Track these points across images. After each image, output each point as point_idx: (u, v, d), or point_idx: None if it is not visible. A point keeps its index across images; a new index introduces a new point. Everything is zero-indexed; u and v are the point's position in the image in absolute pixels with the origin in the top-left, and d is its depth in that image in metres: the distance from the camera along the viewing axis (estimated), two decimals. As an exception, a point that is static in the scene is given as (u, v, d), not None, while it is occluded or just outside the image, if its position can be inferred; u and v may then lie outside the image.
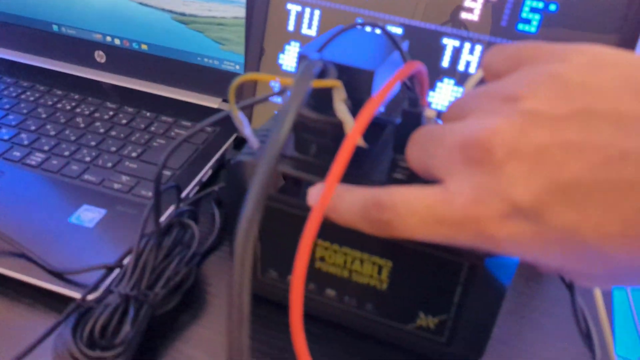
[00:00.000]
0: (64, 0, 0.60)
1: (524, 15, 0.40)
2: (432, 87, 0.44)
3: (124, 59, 0.60)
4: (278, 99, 0.49)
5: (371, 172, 0.30)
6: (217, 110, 0.56)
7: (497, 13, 0.41)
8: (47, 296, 0.36)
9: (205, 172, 0.47)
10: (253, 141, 0.29)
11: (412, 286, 0.30)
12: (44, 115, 0.53)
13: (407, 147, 0.26)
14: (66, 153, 0.48)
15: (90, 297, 0.34)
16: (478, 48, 0.42)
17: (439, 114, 0.36)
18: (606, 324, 0.31)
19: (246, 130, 0.29)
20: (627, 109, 0.18)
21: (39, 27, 0.62)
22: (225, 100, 0.58)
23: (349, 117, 0.26)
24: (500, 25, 0.41)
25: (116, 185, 0.44)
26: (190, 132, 0.29)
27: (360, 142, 0.28)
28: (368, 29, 0.43)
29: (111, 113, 0.54)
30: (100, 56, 0.61)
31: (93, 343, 0.30)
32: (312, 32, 0.46)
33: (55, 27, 0.62)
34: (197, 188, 0.46)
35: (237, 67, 0.56)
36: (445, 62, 0.43)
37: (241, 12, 0.53)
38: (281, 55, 0.48)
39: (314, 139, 0.29)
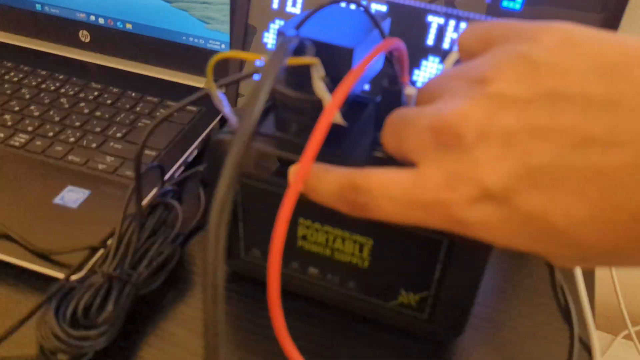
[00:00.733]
0: (46, -21, 0.59)
1: (508, -9, 0.40)
2: (418, 65, 0.44)
3: (108, 38, 0.60)
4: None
5: (352, 151, 0.30)
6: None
7: (482, -10, 0.41)
8: (31, 276, 0.36)
9: (191, 152, 0.47)
10: (232, 119, 0.29)
11: (393, 264, 0.31)
12: (27, 96, 0.53)
13: (382, 131, 0.26)
14: (50, 134, 0.47)
15: (74, 277, 0.35)
16: (463, 26, 0.41)
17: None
18: (585, 299, 0.31)
19: (225, 108, 0.28)
20: (594, 92, 0.18)
21: (22, 6, 0.61)
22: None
23: (327, 95, 0.26)
24: (485, 2, 0.41)
25: (101, 166, 0.44)
26: (169, 112, 0.29)
27: (340, 120, 0.28)
28: (352, 6, 0.42)
29: (96, 93, 0.54)
30: (84, 35, 0.61)
31: (76, 322, 0.31)
32: (297, 10, 0.45)
33: (38, 6, 0.61)
34: (182, 168, 0.46)
35: (223, 46, 0.55)
36: (430, 40, 0.43)
37: (226, -10, 0.53)
38: (266, 34, 0.47)
39: (294, 118, 0.29)
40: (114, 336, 0.31)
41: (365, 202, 0.23)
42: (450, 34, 0.42)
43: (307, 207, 0.30)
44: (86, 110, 0.51)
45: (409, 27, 0.43)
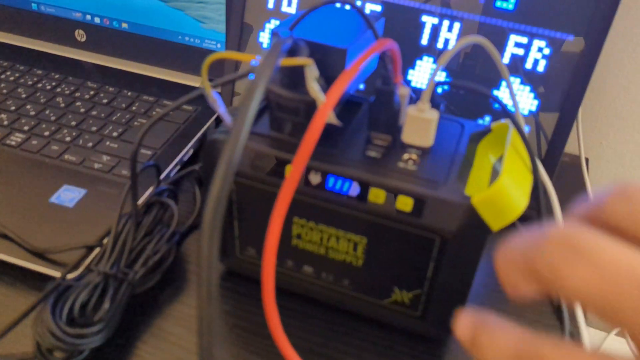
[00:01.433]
0: (42, -22, 0.59)
1: (501, -8, 0.40)
2: (412, 65, 0.44)
3: (104, 37, 0.60)
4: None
5: (346, 150, 0.30)
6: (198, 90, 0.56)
7: (476, -10, 0.41)
8: (27, 275, 0.37)
9: (187, 151, 0.47)
10: (227, 119, 0.29)
11: (387, 262, 0.31)
12: (23, 95, 0.53)
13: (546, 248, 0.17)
14: (46, 133, 0.48)
15: (70, 275, 0.35)
16: (457, 25, 0.42)
17: (415, 90, 0.37)
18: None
19: (220, 108, 0.29)
20: None
21: (18, 6, 0.61)
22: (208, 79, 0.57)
23: (321, 95, 0.26)
24: (478, 3, 0.41)
25: (97, 165, 0.44)
26: (164, 111, 0.29)
27: (334, 120, 0.29)
28: (347, 7, 0.42)
29: (92, 92, 0.54)
30: (80, 35, 0.61)
31: (72, 320, 0.31)
32: (292, 10, 0.46)
33: (34, 6, 0.61)
34: (178, 167, 0.47)
35: (218, 45, 0.56)
36: (424, 40, 0.43)
37: (221, -11, 0.53)
38: (261, 33, 0.47)
39: (289, 118, 0.30)
40: (111, 334, 0.32)
41: None
42: (444, 34, 0.42)
43: (301, 206, 0.31)
44: (82, 110, 0.51)
45: (403, 27, 0.43)
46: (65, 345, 0.30)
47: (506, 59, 0.41)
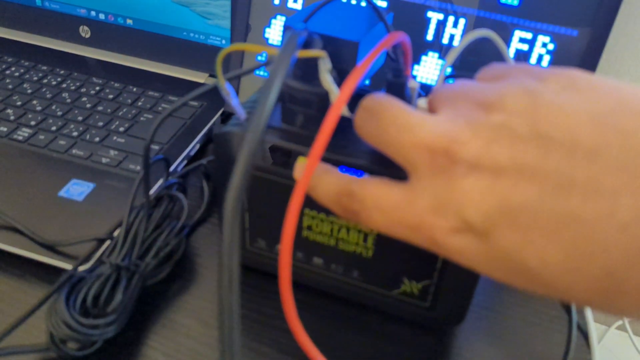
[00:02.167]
0: (46, -26, 0.59)
1: (507, -12, 0.41)
2: (417, 60, 0.44)
3: (109, 34, 0.60)
4: (264, 72, 0.49)
5: (357, 142, 0.31)
6: (204, 85, 0.56)
7: (481, -14, 0.41)
8: (38, 268, 0.37)
9: (193, 146, 0.48)
10: (240, 112, 0.30)
11: (397, 253, 0.31)
12: (29, 91, 0.53)
13: (358, 112, 0.26)
14: (53, 128, 0.48)
15: (82, 268, 0.35)
16: (462, 21, 0.42)
17: (422, 86, 0.37)
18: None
19: (234, 101, 0.29)
20: (583, 139, 0.18)
21: (22, 2, 0.62)
22: (211, 76, 0.58)
23: (334, 87, 0.27)
24: (483, -1, 0.41)
25: (104, 160, 0.45)
26: (178, 103, 0.30)
27: (347, 112, 0.29)
28: (354, 0, 0.43)
29: (97, 88, 0.54)
30: (85, 31, 0.61)
31: (86, 311, 0.31)
32: (298, 6, 0.46)
33: (38, 2, 0.61)
34: (185, 162, 0.47)
35: (223, 41, 0.56)
36: (430, 36, 0.43)
37: (227, -14, 0.53)
38: (267, 29, 0.48)
39: (301, 110, 0.30)
40: (123, 325, 0.32)
41: (358, 210, 0.24)
42: (449, 30, 0.43)
43: (312, 199, 0.31)
44: (88, 105, 0.51)
45: (408, 23, 0.44)
46: (79, 336, 0.30)
47: (510, 55, 0.42)
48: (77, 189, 0.41)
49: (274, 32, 0.48)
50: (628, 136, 0.18)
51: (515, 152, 0.19)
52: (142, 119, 0.50)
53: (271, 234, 0.34)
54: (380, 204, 0.23)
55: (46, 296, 0.32)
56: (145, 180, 0.34)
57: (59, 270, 0.37)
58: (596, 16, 0.39)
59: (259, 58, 0.49)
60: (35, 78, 0.55)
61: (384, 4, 0.44)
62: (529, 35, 0.41)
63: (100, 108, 0.51)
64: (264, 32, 0.48)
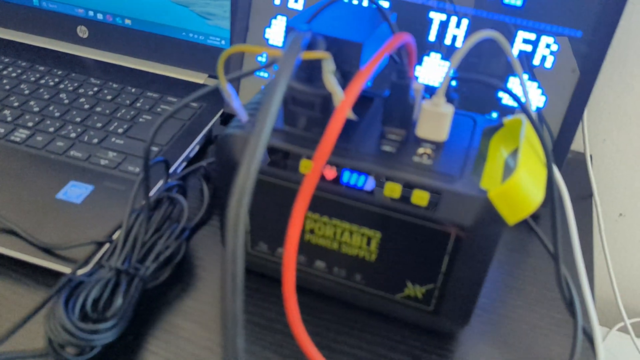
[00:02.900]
0: (44, -26, 0.58)
1: (510, -12, 0.40)
2: (419, 61, 0.44)
3: (107, 34, 0.59)
4: (265, 74, 0.49)
5: (361, 145, 0.30)
6: (203, 86, 0.56)
7: (484, -13, 0.41)
8: (36, 272, 0.36)
9: (193, 148, 0.47)
10: (242, 114, 0.29)
11: (400, 256, 0.31)
12: (27, 92, 0.52)
13: None
14: (51, 129, 0.47)
15: (81, 271, 0.35)
16: (464, 22, 0.42)
17: (426, 88, 0.37)
18: (587, 291, 0.32)
19: (235, 103, 0.29)
20: None
21: (20, 2, 0.61)
22: (211, 76, 0.57)
23: (338, 89, 0.26)
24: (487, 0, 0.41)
25: (103, 162, 0.44)
26: (179, 105, 0.29)
27: (351, 115, 0.29)
28: (355, 1, 0.42)
29: (96, 89, 0.54)
30: (82, 31, 0.60)
31: (85, 316, 0.31)
32: (299, 6, 0.46)
33: (36, 2, 0.60)
34: (184, 164, 0.46)
35: (223, 42, 0.55)
36: (432, 37, 0.43)
37: (226, -14, 0.53)
38: (267, 30, 0.47)
39: (304, 112, 0.30)
40: (123, 330, 0.31)
41: None
42: (452, 30, 0.42)
43: (315, 201, 0.31)
44: (86, 106, 0.51)
45: (411, 24, 0.43)
46: (78, 341, 0.29)
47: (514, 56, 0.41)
48: (75, 191, 0.41)
49: (275, 33, 0.47)
50: None
51: None
52: (141, 120, 0.50)
53: (273, 237, 0.34)
54: None
55: (44, 300, 0.31)
56: (145, 183, 0.33)
57: (57, 274, 0.36)
58: (601, 17, 0.38)
59: (260, 59, 0.49)
60: (33, 79, 0.55)
61: (386, 5, 0.43)
62: (532, 36, 0.40)
63: (98, 109, 0.51)
64: (264, 32, 0.47)
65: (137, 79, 0.56)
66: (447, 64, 0.43)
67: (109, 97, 0.52)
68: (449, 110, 0.29)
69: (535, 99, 0.42)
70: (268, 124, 0.19)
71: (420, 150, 0.30)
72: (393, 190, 0.29)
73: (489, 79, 0.31)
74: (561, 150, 0.42)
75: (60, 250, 0.36)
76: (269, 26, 0.47)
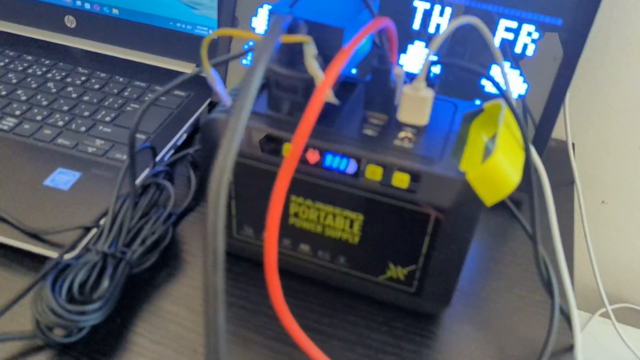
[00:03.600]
0: (31, -37, 0.58)
1: (492, -23, 0.41)
2: (404, 49, 0.45)
3: (94, 23, 0.60)
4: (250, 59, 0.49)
5: (343, 129, 0.31)
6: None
7: (467, -25, 0.42)
8: (24, 257, 0.37)
9: (180, 135, 0.48)
10: (226, 99, 0.30)
11: (383, 238, 0.32)
12: (14, 81, 0.52)
13: None
14: (38, 118, 0.48)
15: (68, 256, 0.35)
16: (448, 10, 0.42)
17: (407, 74, 0.37)
18: (565, 272, 0.33)
19: (219, 87, 0.29)
20: None
21: (6, -9, 0.61)
22: (199, 66, 0.58)
23: (320, 72, 0.27)
24: (469, -12, 0.42)
25: (90, 149, 0.44)
26: (162, 91, 0.30)
27: (332, 98, 0.29)
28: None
29: (83, 78, 0.54)
30: (70, 21, 0.60)
31: (72, 298, 0.31)
32: (285, -5, 0.46)
33: (22, -9, 0.60)
34: (172, 152, 0.47)
35: (210, 31, 0.56)
36: (416, 25, 0.44)
37: (213, -25, 0.53)
38: (254, 19, 0.48)
39: (287, 96, 0.30)
40: (110, 311, 0.32)
41: None
42: (435, 19, 0.43)
43: (299, 185, 0.31)
44: (74, 95, 0.51)
45: (395, 12, 0.44)
46: (65, 322, 0.30)
47: (496, 44, 0.42)
48: (63, 178, 0.41)
49: (261, 22, 0.47)
50: None
51: None
52: (128, 108, 0.50)
53: (258, 222, 0.34)
54: None
55: (32, 284, 0.32)
56: (131, 168, 0.34)
57: (45, 259, 0.36)
58: (580, 5, 0.39)
59: (246, 46, 0.49)
60: (20, 68, 0.55)
61: (370, -7, 0.44)
62: (514, 24, 0.41)
63: (86, 98, 0.51)
64: (251, 21, 0.48)
65: (124, 68, 0.56)
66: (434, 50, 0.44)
67: (96, 86, 0.53)
68: (429, 94, 0.29)
69: (517, 86, 0.43)
70: (248, 101, 0.20)
71: (402, 134, 0.30)
72: (374, 173, 0.29)
73: (469, 64, 0.32)
74: (543, 136, 0.43)
75: (48, 236, 0.36)
76: (256, 15, 0.47)
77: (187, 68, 0.57)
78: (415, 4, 0.43)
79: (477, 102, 0.44)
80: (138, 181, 0.40)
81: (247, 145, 0.31)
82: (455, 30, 0.43)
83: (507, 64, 0.42)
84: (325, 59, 0.28)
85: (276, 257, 0.24)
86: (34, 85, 0.52)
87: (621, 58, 0.53)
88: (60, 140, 0.45)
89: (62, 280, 0.31)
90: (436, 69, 0.44)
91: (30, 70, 0.54)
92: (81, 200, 0.39)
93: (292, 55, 0.28)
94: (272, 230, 0.24)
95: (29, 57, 0.57)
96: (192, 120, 0.49)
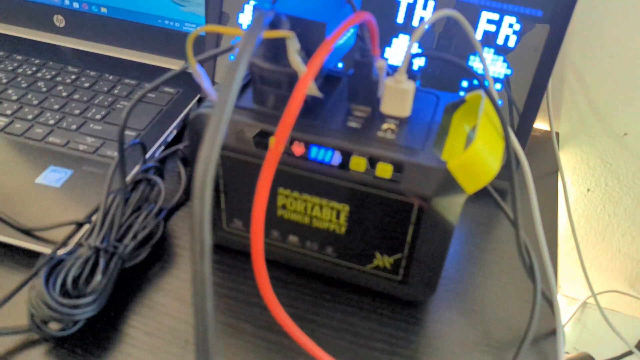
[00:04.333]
0: (18, -37, 0.58)
1: (473, -30, 0.42)
2: (389, 43, 0.45)
3: (83, 22, 0.60)
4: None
5: (328, 122, 0.31)
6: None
7: (449, -31, 0.42)
8: (17, 254, 0.37)
9: (170, 132, 0.48)
10: (212, 94, 0.30)
11: (369, 228, 0.32)
12: (4, 80, 0.53)
13: None
14: (29, 117, 0.48)
15: (61, 251, 0.36)
16: (431, 4, 0.43)
17: (391, 68, 0.38)
18: (547, 258, 0.34)
19: (205, 83, 0.30)
20: None
21: (-6, -8, 0.61)
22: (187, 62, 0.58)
23: (303, 67, 0.27)
24: (451, -19, 0.42)
25: (81, 147, 0.45)
26: (151, 86, 0.30)
27: (315, 91, 0.30)
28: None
29: (73, 77, 0.54)
30: (59, 20, 0.61)
31: (66, 292, 0.32)
32: (271, -9, 0.47)
33: (10, -9, 0.61)
34: (162, 148, 0.47)
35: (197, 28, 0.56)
36: (400, 19, 0.44)
37: (200, -28, 0.53)
38: (240, 15, 0.48)
39: (271, 90, 0.31)
40: (103, 305, 0.33)
41: None
42: (419, 12, 0.44)
43: (286, 177, 0.32)
44: (64, 94, 0.52)
45: (379, 6, 0.44)
46: (59, 316, 0.31)
47: (479, 35, 0.43)
48: (54, 176, 0.42)
49: (248, 18, 0.48)
50: None
51: None
52: (118, 106, 0.50)
53: (247, 214, 0.35)
54: None
55: (26, 279, 0.32)
56: (121, 164, 0.34)
57: (38, 255, 0.37)
58: (559, -4, 0.40)
59: (233, 43, 0.49)
60: (10, 68, 0.55)
61: (355, -12, 0.44)
62: (495, 16, 0.42)
63: (76, 96, 0.51)
64: (238, 17, 0.48)
65: (114, 66, 0.57)
66: (414, 44, 0.44)
67: (86, 85, 0.53)
68: (410, 86, 0.30)
69: (502, 71, 0.43)
70: (231, 94, 0.21)
71: (385, 126, 0.31)
72: (358, 164, 0.30)
73: (450, 56, 0.33)
74: (526, 125, 0.44)
75: (41, 232, 0.37)
76: (242, 11, 0.48)
77: (176, 65, 0.58)
78: (399, -2, 0.44)
79: (462, 93, 0.45)
80: (129, 177, 0.40)
81: (233, 139, 0.32)
82: (441, 25, 0.44)
83: (491, 51, 0.43)
84: (308, 54, 0.29)
85: (262, 247, 0.25)
86: (24, 85, 0.52)
87: (602, 47, 0.54)
88: (51, 139, 0.46)
89: (55, 275, 0.32)
90: (421, 62, 0.45)
91: (20, 70, 0.55)
92: (73, 196, 0.40)
93: (275, 51, 0.29)
94: (257, 221, 0.24)
95: (19, 57, 0.57)
96: (181, 116, 0.50)
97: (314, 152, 0.31)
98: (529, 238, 0.41)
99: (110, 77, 0.55)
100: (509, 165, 0.31)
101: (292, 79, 0.29)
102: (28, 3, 0.61)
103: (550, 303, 0.34)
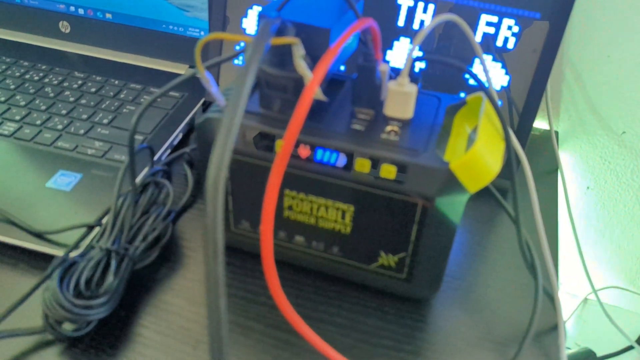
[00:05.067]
0: (24, -29, 0.59)
1: (473, -26, 0.43)
2: (390, 46, 0.46)
3: (88, 28, 0.61)
4: (242, 61, 0.51)
5: (333, 124, 0.32)
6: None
7: (448, -27, 0.43)
8: (30, 257, 0.38)
9: (176, 135, 0.49)
10: (220, 99, 0.31)
11: (373, 228, 0.33)
12: (12, 87, 0.54)
13: None
14: (38, 122, 0.49)
15: (73, 254, 0.37)
16: (431, 7, 0.44)
17: (392, 70, 0.39)
18: (548, 254, 0.34)
19: (213, 88, 0.31)
20: None
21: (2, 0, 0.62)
22: (192, 67, 0.59)
23: (308, 72, 0.28)
24: (451, -15, 0.43)
25: (90, 151, 0.46)
26: (158, 93, 0.31)
27: (321, 96, 0.31)
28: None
29: (80, 82, 0.55)
30: (64, 26, 0.62)
31: (79, 294, 0.33)
32: (274, -4, 0.47)
33: (16, -2, 0.62)
34: (168, 151, 0.48)
35: (202, 33, 0.57)
36: (401, 22, 0.45)
37: (203, -22, 0.54)
38: (244, 20, 0.49)
39: (277, 95, 0.32)
40: (116, 305, 0.33)
41: None
42: (419, 15, 0.44)
43: (292, 179, 0.33)
44: (71, 99, 0.52)
45: (380, 10, 0.45)
46: (73, 316, 0.31)
47: (478, 38, 0.44)
48: (64, 180, 0.43)
49: (251, 23, 0.49)
50: None
51: None
52: (125, 110, 0.51)
53: (254, 216, 0.36)
54: None
55: (40, 281, 0.33)
56: (131, 167, 0.35)
57: (51, 258, 0.38)
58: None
59: (238, 48, 0.50)
60: (18, 74, 0.56)
61: (356, -8, 0.45)
62: (494, 19, 0.43)
63: (83, 101, 0.52)
64: (241, 22, 0.49)
65: (119, 71, 0.58)
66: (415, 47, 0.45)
67: (93, 90, 0.54)
68: (412, 89, 0.31)
69: (500, 78, 0.44)
70: (241, 98, 0.21)
71: (388, 128, 0.32)
72: (363, 165, 0.31)
73: (451, 59, 0.34)
74: (526, 125, 0.45)
75: (53, 235, 0.38)
76: (246, 16, 0.49)
77: (180, 69, 0.59)
78: (399, 1, 0.44)
79: (462, 94, 0.46)
80: (137, 180, 0.41)
81: (241, 143, 0.33)
82: (441, 26, 0.44)
83: (489, 58, 0.44)
84: (313, 59, 0.30)
85: (272, 248, 0.25)
86: (32, 91, 0.53)
87: (600, 47, 0.55)
88: (60, 143, 0.46)
89: (69, 276, 0.33)
90: (422, 65, 0.46)
91: (27, 76, 0.56)
92: (83, 200, 0.41)
93: (281, 56, 0.30)
94: (267, 222, 0.25)
95: (26, 63, 0.58)
96: (187, 120, 0.51)
97: (320, 154, 0.31)
98: (530, 236, 0.42)
99: (116, 82, 0.55)
100: (510, 164, 0.32)
101: (298, 83, 0.30)
102: (34, 10, 0.62)
103: (551, 299, 0.35)
